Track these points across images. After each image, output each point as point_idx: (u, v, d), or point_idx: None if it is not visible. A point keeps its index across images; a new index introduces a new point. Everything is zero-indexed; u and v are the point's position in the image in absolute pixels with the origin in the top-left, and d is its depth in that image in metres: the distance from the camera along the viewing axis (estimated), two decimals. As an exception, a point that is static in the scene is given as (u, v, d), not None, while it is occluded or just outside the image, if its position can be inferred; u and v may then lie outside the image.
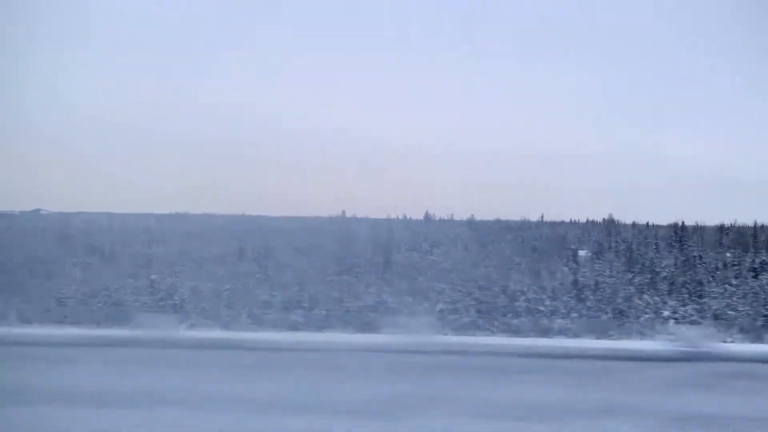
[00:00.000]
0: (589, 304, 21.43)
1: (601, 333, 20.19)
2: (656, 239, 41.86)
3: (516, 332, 20.84)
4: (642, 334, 19.79)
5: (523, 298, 22.27)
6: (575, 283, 23.59)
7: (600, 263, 31.01)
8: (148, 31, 71.66)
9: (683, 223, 39.44)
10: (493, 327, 21.19)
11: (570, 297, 22.35)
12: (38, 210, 52.47)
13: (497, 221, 57.52)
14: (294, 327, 23.05)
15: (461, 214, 52.21)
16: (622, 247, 39.15)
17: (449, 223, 55.64)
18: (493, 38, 70.52)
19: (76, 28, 72.71)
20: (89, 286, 28.12)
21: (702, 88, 66.75)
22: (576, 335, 19.87)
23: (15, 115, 62.28)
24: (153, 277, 26.26)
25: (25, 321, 25.33)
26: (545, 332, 20.13)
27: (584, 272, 27.09)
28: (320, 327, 22.94)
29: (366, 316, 23.14)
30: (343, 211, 41.65)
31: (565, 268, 29.36)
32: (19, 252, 33.12)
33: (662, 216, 55.76)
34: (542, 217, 56.29)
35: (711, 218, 45.51)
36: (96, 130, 64.23)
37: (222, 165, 61.16)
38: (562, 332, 20.01)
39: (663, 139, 64.78)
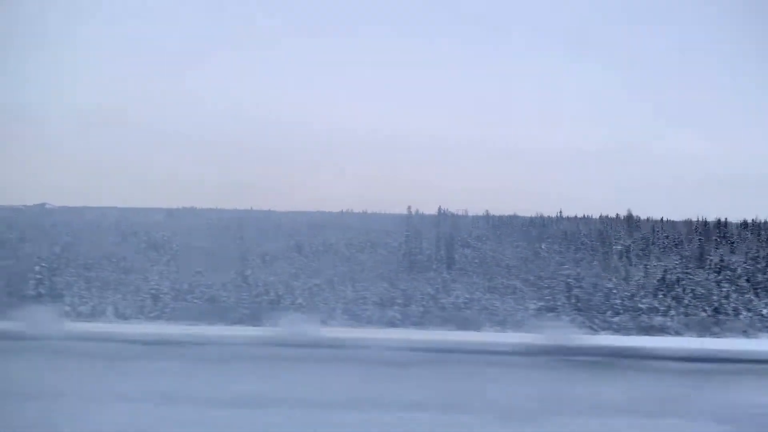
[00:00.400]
0: (685, 302, 22.36)
1: (704, 331, 21.17)
2: (698, 235, 42.98)
3: (620, 330, 21.67)
4: (745, 333, 20.82)
5: (617, 295, 23.15)
6: (662, 280, 24.53)
7: (661, 260, 31.99)
8: (154, 30, 71.79)
9: (725, 219, 40.59)
10: (595, 325, 22.00)
11: (663, 294, 23.27)
12: (43, 204, 52.16)
13: (514, 216, 58.28)
14: (392, 324, 23.85)
15: (469, 210, 52.79)
16: (667, 244, 40.25)
17: (467, 219, 56.32)
18: (507, 38, 71.42)
19: (82, 25, 72.84)
20: (174, 281, 28.52)
21: (704, 88, 68.15)
22: (678, 333, 20.82)
23: (18, 110, 62.33)
24: (248, 273, 26.79)
25: (122, 317, 25.88)
26: (647, 330, 21.02)
27: (655, 269, 28.04)
28: (418, 324, 23.75)
29: (462, 313, 23.97)
30: (410, 208, 42.00)
31: (629, 266, 30.28)
32: (81, 248, 33.38)
33: (657, 211, 57.18)
34: (560, 212, 57.13)
35: (711, 214, 47.12)
36: (97, 127, 64.57)
37: (224, 161, 61.71)
38: (664, 330, 20.95)
39: (658, 137, 66.24)
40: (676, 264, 27.43)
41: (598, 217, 56.42)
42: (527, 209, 50.90)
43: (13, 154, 59.41)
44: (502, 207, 56.40)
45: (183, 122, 67.54)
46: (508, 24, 73.50)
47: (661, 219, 59.11)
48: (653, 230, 42.05)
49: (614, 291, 23.15)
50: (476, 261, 35.06)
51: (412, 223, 36.24)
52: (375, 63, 72.11)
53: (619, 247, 37.73)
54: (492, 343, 11.25)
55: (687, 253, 34.65)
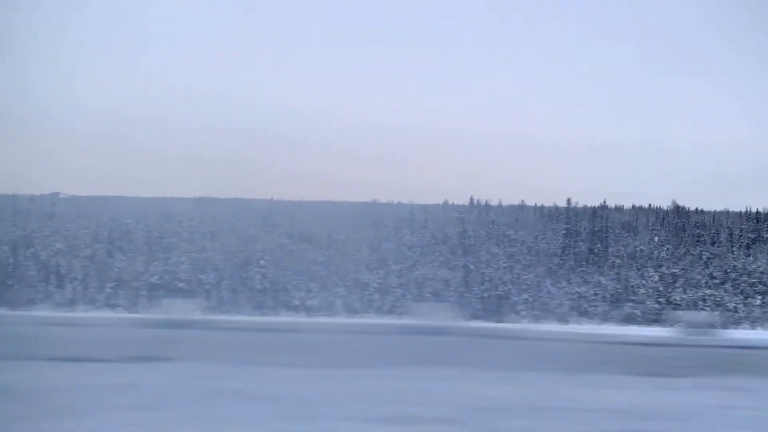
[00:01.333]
0: None
1: None
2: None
3: None
4: None
5: None
6: None
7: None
8: (172, 23, 71.02)
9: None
10: None
11: None
12: (57, 194, 51.46)
13: (556, 207, 59.23)
14: (630, 320, 24.87)
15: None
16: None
17: (512, 210, 57.25)
18: (536, 31, 72.58)
19: (96, 16, 71.78)
20: (378, 275, 28.76)
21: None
22: None
23: (32, 101, 61.35)
24: (472, 267, 27.43)
25: (352, 311, 26.13)
26: None
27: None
28: (657, 321, 24.74)
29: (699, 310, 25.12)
30: (569, 201, 42.80)
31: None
32: (260, 242, 33.20)
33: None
34: (604, 202, 58.22)
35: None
36: (110, 117, 63.97)
37: (236, 150, 61.64)
38: None
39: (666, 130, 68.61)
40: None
41: (630, 207, 58.02)
42: (536, 199, 52.08)
43: (20, 144, 58.38)
44: (509, 197, 57.27)
45: (192, 112, 67.32)
46: (541, 15, 74.86)
47: (696, 209, 61.42)
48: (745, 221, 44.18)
49: None
50: (624, 255, 36.25)
51: (570, 217, 37.13)
52: (395, 56, 72.77)
53: (747, 239, 39.53)
54: None
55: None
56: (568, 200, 38.80)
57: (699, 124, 68.28)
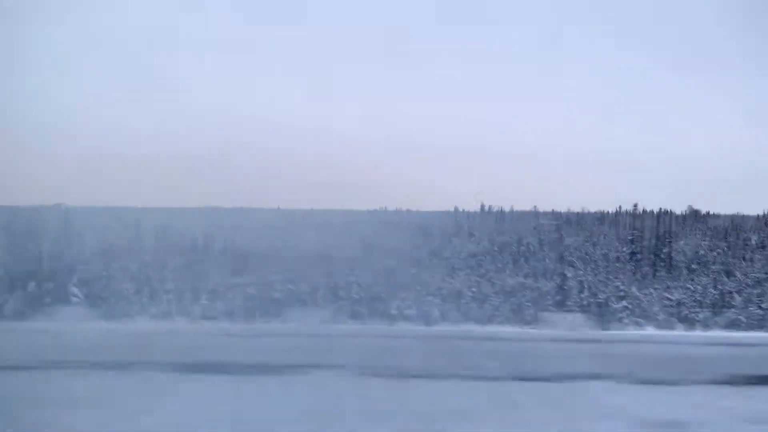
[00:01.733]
0: None
1: None
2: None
3: None
4: None
5: None
6: None
7: None
8: (180, 33, 71.55)
9: None
10: None
11: None
12: (59, 204, 51.24)
13: (577, 213, 59.76)
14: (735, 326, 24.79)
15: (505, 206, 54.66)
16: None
17: (526, 215, 57.71)
18: (539, 38, 73.96)
19: (102, 31, 72.14)
20: (456, 283, 28.45)
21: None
22: None
23: (32, 113, 61.37)
24: (569, 273, 27.24)
25: (449, 320, 25.69)
26: None
27: None
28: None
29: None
30: (636, 205, 42.95)
31: None
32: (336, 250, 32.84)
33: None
34: (619, 208, 58.80)
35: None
36: (108, 128, 64.19)
37: (237, 161, 62.30)
38: None
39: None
40: None
41: (641, 211, 58.53)
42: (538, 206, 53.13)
43: (27, 154, 58.32)
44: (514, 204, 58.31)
45: (192, 122, 67.74)
46: (550, 24, 76.07)
47: (708, 212, 62.10)
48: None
49: None
50: (690, 260, 36.46)
51: (636, 222, 37.18)
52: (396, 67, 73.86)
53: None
54: None
55: None
56: (635, 206, 38.74)
57: (701, 127, 69.73)
